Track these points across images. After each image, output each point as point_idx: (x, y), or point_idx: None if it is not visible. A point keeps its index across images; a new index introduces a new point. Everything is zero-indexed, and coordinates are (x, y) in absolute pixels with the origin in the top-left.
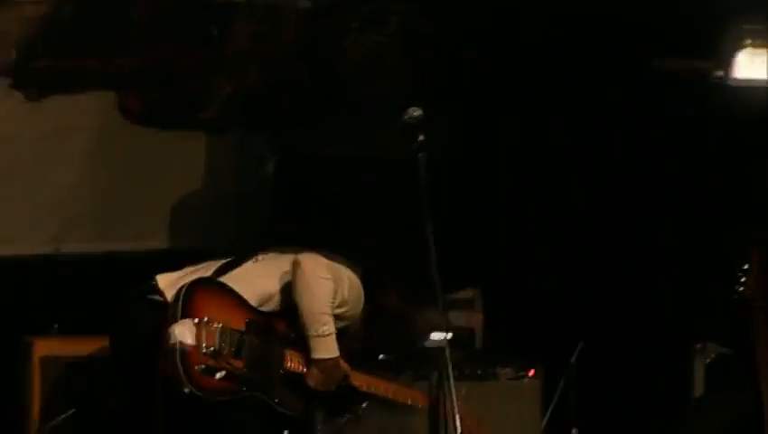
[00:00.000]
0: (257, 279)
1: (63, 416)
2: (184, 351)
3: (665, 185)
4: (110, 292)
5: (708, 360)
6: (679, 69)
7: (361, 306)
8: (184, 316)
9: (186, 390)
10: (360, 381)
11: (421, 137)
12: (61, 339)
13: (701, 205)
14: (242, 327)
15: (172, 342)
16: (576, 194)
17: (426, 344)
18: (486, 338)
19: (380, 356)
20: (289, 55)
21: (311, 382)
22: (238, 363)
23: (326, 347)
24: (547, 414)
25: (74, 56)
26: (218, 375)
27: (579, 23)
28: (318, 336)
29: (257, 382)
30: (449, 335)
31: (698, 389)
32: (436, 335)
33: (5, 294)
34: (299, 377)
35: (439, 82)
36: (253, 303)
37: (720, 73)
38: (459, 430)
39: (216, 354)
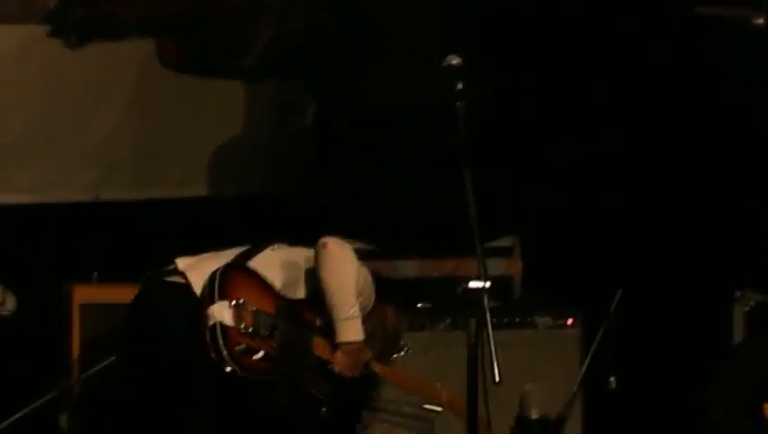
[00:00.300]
0: (278, 266)
1: (100, 365)
2: (225, 330)
3: (704, 131)
4: (149, 239)
5: (748, 307)
6: (721, 15)
7: (372, 301)
8: (221, 298)
9: (228, 368)
10: (381, 368)
11: (460, 86)
12: (101, 286)
13: (741, 150)
14: (273, 312)
15: (211, 322)
16: (614, 140)
17: (465, 292)
18: (525, 287)
19: (419, 304)
20: (329, 1)
21: (337, 368)
22: (274, 345)
23: (352, 330)
24: (586, 363)
25: (113, 3)
26: (257, 355)
27: None
28: (346, 319)
29: (292, 364)
30: (488, 284)
31: (738, 336)
32: (475, 283)
33: (45, 241)
34: (325, 364)
35: (478, 29)
36: (278, 289)
37: (761, 21)
38: (498, 379)
39: (254, 335)
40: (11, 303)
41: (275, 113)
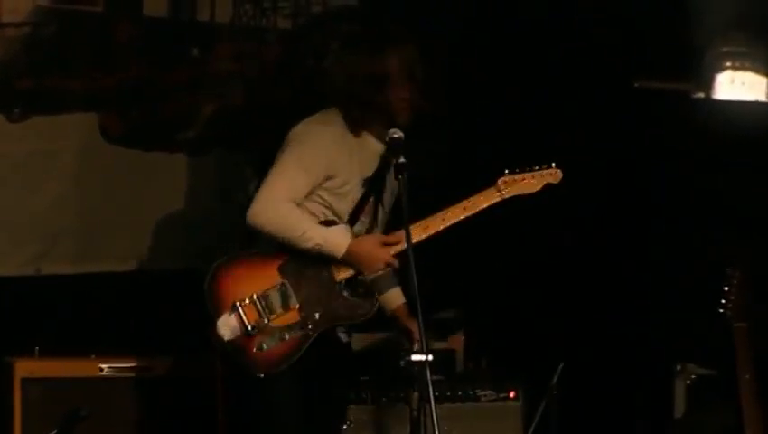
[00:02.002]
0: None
1: None
2: (235, 345)
3: (645, 204)
4: (91, 313)
5: (689, 381)
6: (661, 89)
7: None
8: (218, 313)
9: (259, 375)
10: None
11: (402, 159)
12: (42, 360)
13: (682, 224)
14: (277, 278)
15: (221, 345)
16: (556, 215)
17: (408, 365)
18: (467, 360)
19: (362, 377)
20: (270, 75)
21: (368, 274)
22: (292, 315)
23: (337, 242)
24: None
25: (56, 77)
26: (279, 341)
27: (563, 44)
28: (322, 243)
29: (321, 314)
30: (430, 357)
31: (679, 410)
32: (417, 357)
33: None
34: (356, 279)
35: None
36: (272, 252)
37: (701, 94)
38: None
39: (263, 327)
40: None
41: (218, 185)
